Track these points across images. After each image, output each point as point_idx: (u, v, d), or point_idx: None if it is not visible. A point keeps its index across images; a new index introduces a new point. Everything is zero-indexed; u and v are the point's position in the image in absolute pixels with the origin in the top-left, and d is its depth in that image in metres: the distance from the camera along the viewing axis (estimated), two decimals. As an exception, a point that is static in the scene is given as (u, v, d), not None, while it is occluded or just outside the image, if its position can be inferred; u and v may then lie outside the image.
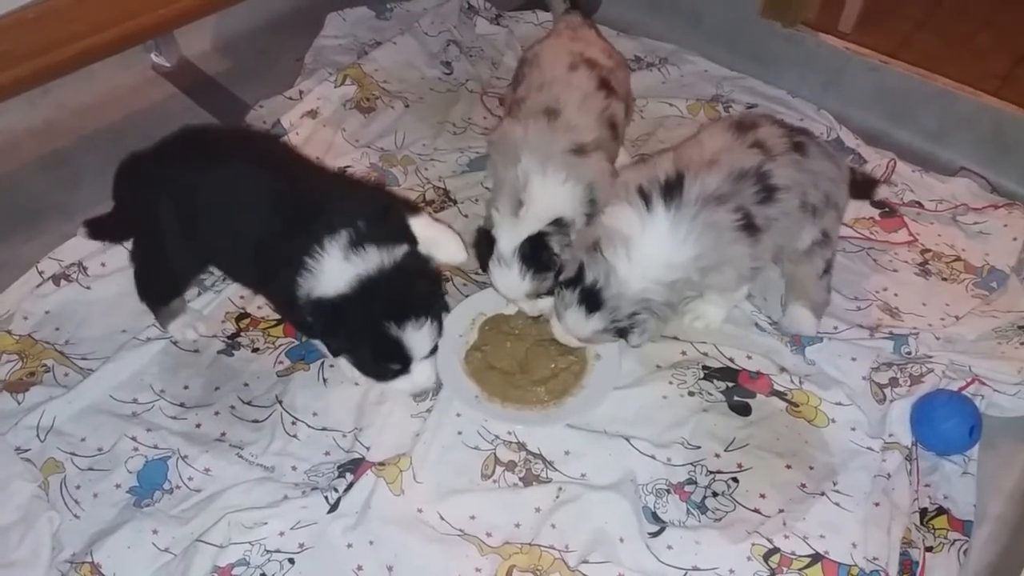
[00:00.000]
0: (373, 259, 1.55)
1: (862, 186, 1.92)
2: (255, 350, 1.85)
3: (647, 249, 1.61)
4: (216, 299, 1.93)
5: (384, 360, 1.62)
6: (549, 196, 1.78)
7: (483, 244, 1.84)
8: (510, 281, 1.80)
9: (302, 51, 2.63)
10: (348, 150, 2.29)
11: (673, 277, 1.63)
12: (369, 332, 1.58)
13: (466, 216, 2.16)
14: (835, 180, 1.78)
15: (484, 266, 1.86)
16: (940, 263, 2.09)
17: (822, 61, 2.56)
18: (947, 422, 1.69)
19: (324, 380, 1.80)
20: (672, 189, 1.61)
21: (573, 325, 1.70)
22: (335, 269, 1.54)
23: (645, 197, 1.62)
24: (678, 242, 1.60)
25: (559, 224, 1.78)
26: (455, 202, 2.19)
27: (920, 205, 2.23)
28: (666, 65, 2.64)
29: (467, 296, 1.95)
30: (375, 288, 1.55)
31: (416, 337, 1.59)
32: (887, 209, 2.19)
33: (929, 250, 2.12)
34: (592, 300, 1.64)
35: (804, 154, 1.70)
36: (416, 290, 1.60)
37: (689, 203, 1.60)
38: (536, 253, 1.77)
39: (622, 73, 2.12)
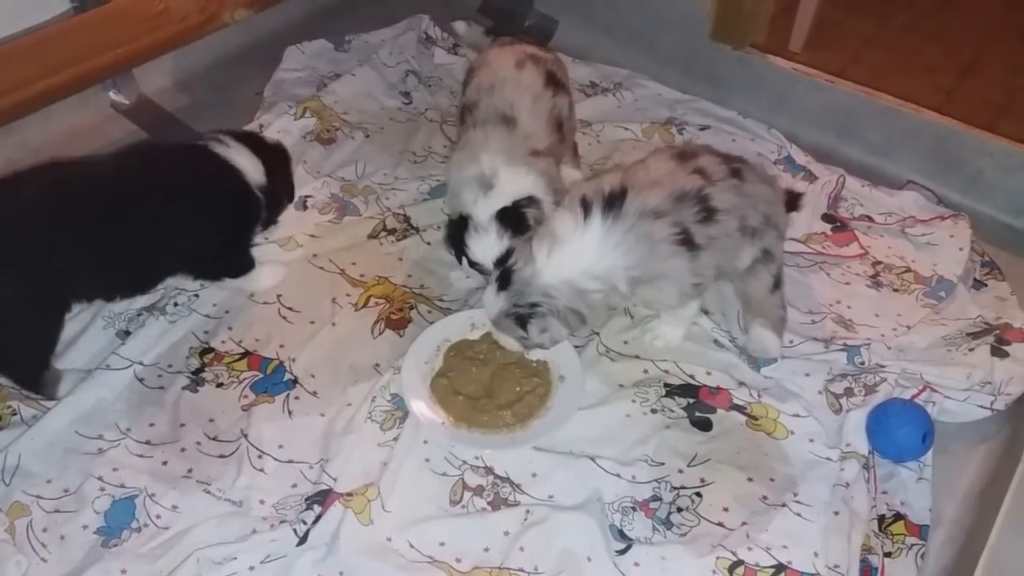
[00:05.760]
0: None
1: (787, 201, 2.00)
2: (219, 385, 1.84)
3: (570, 251, 1.67)
4: (178, 330, 1.93)
5: None
6: (517, 182, 1.89)
7: (456, 231, 1.92)
8: (487, 244, 1.87)
9: (261, 85, 2.64)
10: (309, 181, 2.31)
11: (591, 286, 1.68)
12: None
13: (428, 243, 2.18)
14: (772, 202, 1.85)
15: (459, 252, 1.93)
16: (891, 275, 2.15)
17: (771, 82, 2.62)
18: (901, 430, 1.74)
19: (289, 412, 1.80)
20: (613, 201, 1.67)
21: (487, 301, 1.77)
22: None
23: (585, 206, 1.68)
24: (606, 251, 1.66)
25: (531, 200, 1.89)
26: (417, 230, 2.21)
27: (870, 219, 2.29)
28: (621, 90, 2.69)
29: (432, 323, 1.97)
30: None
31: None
32: (838, 224, 2.25)
33: (880, 262, 2.17)
34: (504, 279, 1.72)
35: (742, 179, 1.78)
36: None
37: (627, 216, 1.66)
38: (512, 219, 1.86)
39: (560, 66, 2.22)
